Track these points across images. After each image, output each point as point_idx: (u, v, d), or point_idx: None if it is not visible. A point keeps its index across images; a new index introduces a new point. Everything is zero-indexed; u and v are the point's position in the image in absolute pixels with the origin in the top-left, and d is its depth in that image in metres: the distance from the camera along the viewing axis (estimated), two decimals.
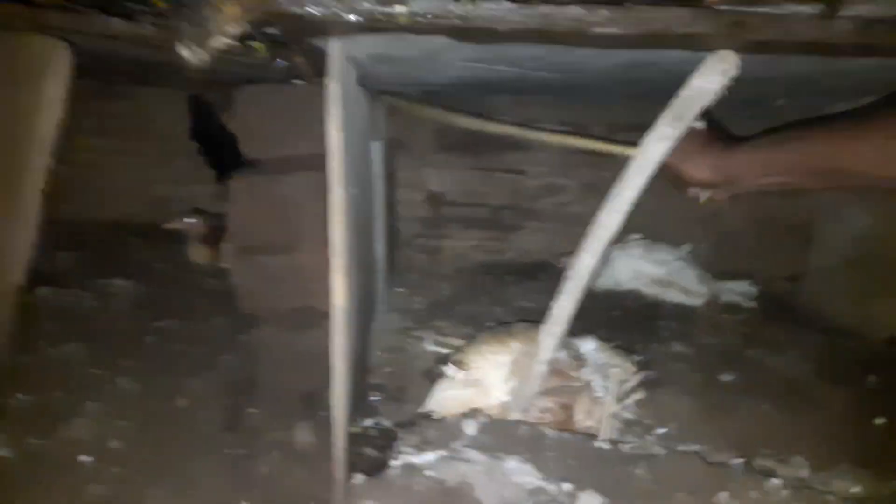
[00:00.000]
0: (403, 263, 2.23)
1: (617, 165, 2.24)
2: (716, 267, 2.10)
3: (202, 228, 1.89)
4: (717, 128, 1.23)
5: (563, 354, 1.19)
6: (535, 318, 1.78)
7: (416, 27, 0.95)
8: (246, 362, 1.41)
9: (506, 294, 1.97)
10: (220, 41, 0.96)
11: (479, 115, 1.95)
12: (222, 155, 2.28)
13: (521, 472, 0.90)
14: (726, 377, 1.43)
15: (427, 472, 0.90)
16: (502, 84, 1.86)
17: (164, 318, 1.59)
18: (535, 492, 0.88)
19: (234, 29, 0.95)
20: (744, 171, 1.14)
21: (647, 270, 1.97)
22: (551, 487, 0.89)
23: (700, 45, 1.00)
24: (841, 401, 1.34)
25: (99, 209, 2.31)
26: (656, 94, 1.92)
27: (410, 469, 0.92)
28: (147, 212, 2.35)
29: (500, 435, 0.99)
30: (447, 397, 1.14)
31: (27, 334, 1.22)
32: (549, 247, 2.29)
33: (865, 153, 0.94)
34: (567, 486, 0.89)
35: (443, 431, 1.00)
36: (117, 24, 0.96)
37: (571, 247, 2.26)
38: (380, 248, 1.81)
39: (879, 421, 1.27)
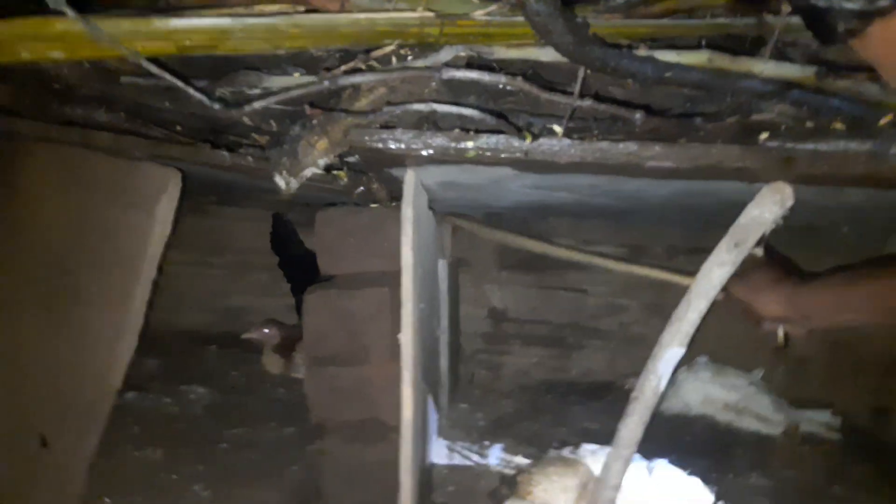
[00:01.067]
0: (466, 379, 2.25)
1: (678, 288, 2.26)
2: (790, 397, 2.01)
3: (276, 339, 1.99)
4: (787, 262, 1.24)
5: (633, 479, 1.16)
6: (599, 440, 1.75)
7: (482, 160, 1.06)
8: (312, 473, 1.44)
9: (569, 414, 1.95)
10: (310, 171, 1.09)
11: (540, 238, 2.03)
12: (300, 269, 2.44)
13: None
14: None
15: None
16: (562, 208, 1.95)
17: (237, 426, 1.65)
18: None
19: (323, 160, 1.08)
20: (818, 309, 1.13)
21: (718, 395, 1.91)
22: None
23: (752, 177, 1.06)
24: None
25: (180, 318, 2.48)
26: (714, 221, 1.97)
27: None
28: (224, 322, 2.51)
29: None
30: None
31: (115, 437, 1.30)
32: (611, 367, 2.27)
33: None
34: None
35: None
36: (224, 157, 1.11)
37: (634, 367, 2.24)
38: (444, 363, 1.85)
39: None
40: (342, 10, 0.93)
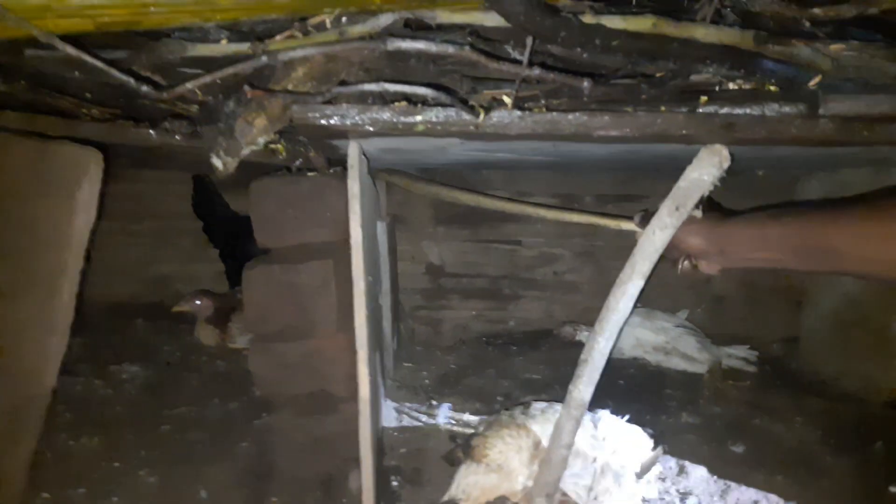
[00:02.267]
0: (406, 336, 2.26)
1: (607, 235, 2.33)
2: (711, 332, 2.15)
3: (210, 310, 1.91)
4: (710, 201, 1.26)
5: (580, 433, 1.21)
6: (542, 390, 1.83)
7: (430, 133, 1.03)
8: (263, 449, 1.42)
9: (510, 366, 2.01)
10: (249, 150, 1.03)
11: (476, 191, 2.03)
12: (226, 233, 2.34)
13: None
14: (737, 448, 1.46)
15: None
16: (498, 163, 1.95)
17: (178, 405, 1.60)
18: None
19: (262, 138, 1.02)
20: (737, 242, 1.13)
21: (648, 338, 2.01)
22: None
23: (694, 141, 1.08)
24: (851, 469, 1.38)
25: (103, 291, 2.34)
26: (643, 169, 2.03)
27: None
28: (150, 292, 2.39)
29: None
30: (470, 483, 1.15)
31: (47, 426, 1.22)
32: (547, 315, 2.35)
33: (862, 238, 0.92)
34: None
35: None
36: (150, 136, 1.02)
37: (568, 314, 2.34)
38: (387, 326, 1.84)
39: (894, 489, 1.30)
40: None
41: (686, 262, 1.22)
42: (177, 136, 1.04)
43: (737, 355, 2.03)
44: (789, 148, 1.32)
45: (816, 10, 1.01)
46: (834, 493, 1.30)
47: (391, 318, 1.89)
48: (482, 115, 0.93)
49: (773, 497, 1.29)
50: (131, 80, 0.80)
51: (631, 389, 1.81)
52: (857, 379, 1.88)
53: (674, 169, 1.35)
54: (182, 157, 2.20)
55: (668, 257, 1.29)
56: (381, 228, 1.83)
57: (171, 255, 2.41)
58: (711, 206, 1.26)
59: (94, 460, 1.34)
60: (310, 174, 1.42)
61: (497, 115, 0.97)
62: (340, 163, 1.54)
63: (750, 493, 1.31)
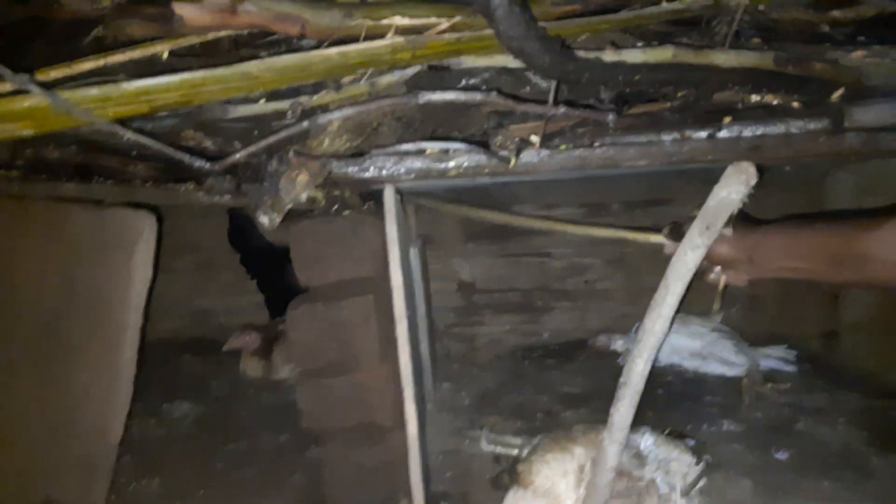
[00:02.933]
0: (442, 354, 2.30)
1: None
2: (747, 333, 2.14)
3: (258, 343, 1.97)
4: (740, 210, 1.25)
5: (623, 454, 1.24)
6: (580, 404, 1.85)
7: (462, 176, 1.06)
8: (314, 479, 1.47)
9: (548, 379, 2.03)
10: (292, 204, 1.08)
11: (502, 207, 2.06)
12: (264, 264, 2.41)
13: None
14: (781, 455, 1.46)
15: None
16: (522, 182, 1.98)
17: (230, 440, 1.66)
18: None
19: (305, 194, 1.07)
20: (768, 251, 1.11)
21: (684, 344, 2.02)
22: None
23: (721, 163, 1.10)
24: None
25: (149, 329, 2.41)
26: (669, 175, 2.03)
27: None
28: (194, 327, 2.46)
29: None
30: None
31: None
32: (581, 325, 2.36)
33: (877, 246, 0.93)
34: None
35: None
36: (200, 199, 1.07)
37: (602, 322, 2.36)
38: (425, 347, 1.88)
39: None
40: (302, 32, 0.90)
41: (714, 274, 1.23)
42: (226, 196, 1.09)
43: (775, 356, 2.02)
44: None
45: (836, 13, 1.03)
46: (882, 496, 1.30)
47: (428, 339, 1.93)
48: (513, 161, 0.96)
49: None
50: (186, 156, 0.85)
51: (670, 398, 1.82)
52: None
53: (701, 171, 1.36)
54: None
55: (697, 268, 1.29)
56: (413, 253, 1.87)
57: (213, 288, 2.48)
58: (739, 215, 1.25)
59: (156, 502, 1.40)
60: (345, 213, 1.46)
61: (526, 157, 1.00)
62: (373, 196, 1.59)
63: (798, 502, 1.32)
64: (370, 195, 1.55)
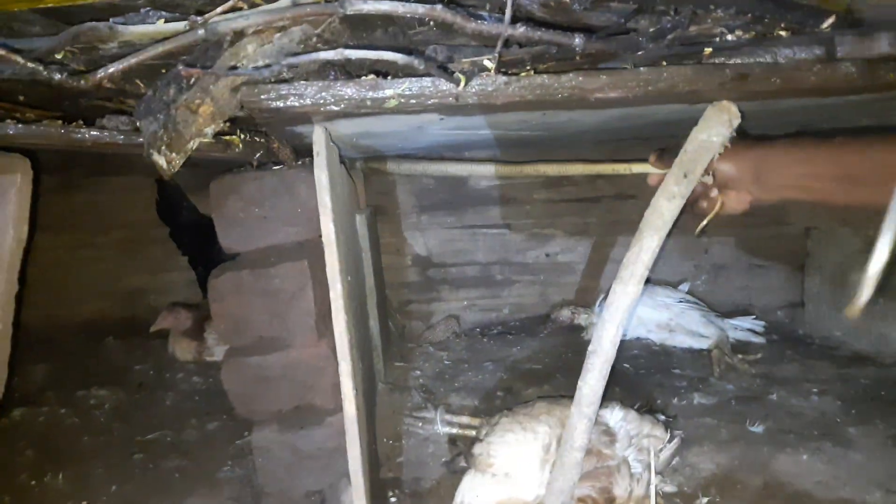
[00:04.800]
0: (396, 333, 2.14)
1: (601, 210, 2.22)
2: (713, 303, 2.06)
3: (189, 322, 1.78)
4: (743, 131, 1.12)
5: (591, 429, 1.11)
6: (543, 380, 1.72)
7: (404, 109, 0.90)
8: (248, 471, 1.30)
9: (509, 356, 1.90)
10: (195, 143, 0.90)
11: (468, 160, 1.91)
12: (196, 238, 2.20)
13: None
14: (757, 428, 1.36)
15: None
16: (481, 143, 1.83)
17: (151, 429, 1.47)
18: None
19: (210, 128, 0.89)
20: (778, 167, 1.00)
21: (651, 316, 1.91)
22: None
23: (702, 98, 0.97)
24: (877, 437, 1.29)
25: (71, 310, 2.20)
26: (637, 138, 1.91)
27: None
28: (120, 308, 2.24)
29: None
30: (477, 495, 1.04)
31: (7, 463, 1.09)
32: (542, 299, 2.24)
33: None
34: None
35: None
36: (82, 136, 0.88)
37: (564, 295, 2.24)
38: (374, 326, 1.72)
39: None
40: None
41: (707, 200, 1.09)
42: (114, 133, 0.90)
43: (743, 327, 1.94)
44: (794, 106, 1.21)
45: None
46: (867, 468, 1.21)
47: (378, 316, 1.77)
48: (462, 83, 0.80)
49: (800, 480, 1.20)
50: (39, 67, 0.67)
51: (637, 373, 1.71)
52: (869, 338, 1.80)
53: (667, 136, 1.24)
54: (142, 160, 2.06)
55: (694, 195, 1.15)
56: (360, 221, 1.70)
57: (141, 266, 2.26)
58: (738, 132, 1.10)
59: (59, 500, 1.21)
60: (275, 168, 1.29)
61: (479, 83, 0.84)
62: (309, 153, 1.41)
63: (774, 478, 1.21)
64: (305, 151, 1.38)
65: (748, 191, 1.02)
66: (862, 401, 1.49)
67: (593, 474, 1.06)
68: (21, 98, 1.10)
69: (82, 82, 0.69)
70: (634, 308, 1.97)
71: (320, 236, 1.35)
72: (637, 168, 1.18)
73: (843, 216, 1.92)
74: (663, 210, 1.03)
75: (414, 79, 0.84)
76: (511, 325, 2.18)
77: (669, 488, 1.15)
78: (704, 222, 1.09)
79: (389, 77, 0.85)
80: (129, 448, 1.40)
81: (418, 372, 1.82)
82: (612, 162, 1.25)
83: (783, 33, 0.98)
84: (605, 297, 2.02)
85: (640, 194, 1.84)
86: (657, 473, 1.13)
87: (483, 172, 1.81)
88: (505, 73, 0.86)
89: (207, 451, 1.39)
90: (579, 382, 1.02)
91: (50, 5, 0.67)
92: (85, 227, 2.27)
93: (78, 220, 2.26)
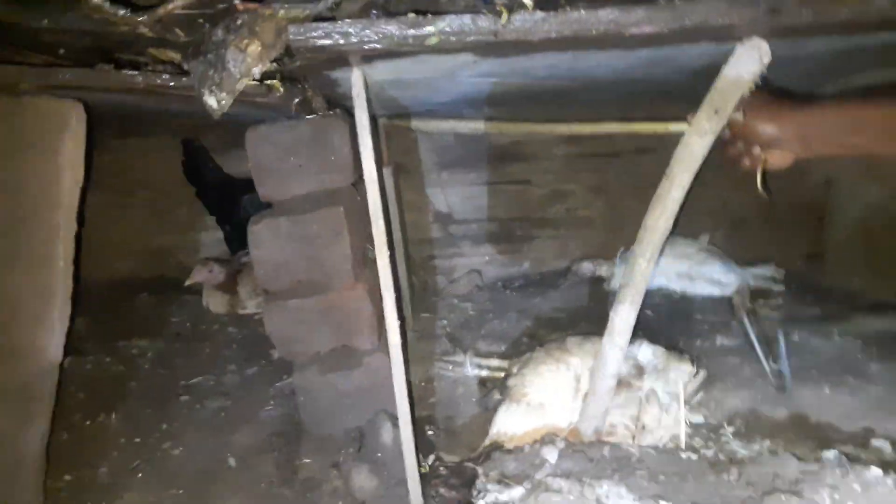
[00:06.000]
0: (420, 287, 2.19)
1: (620, 166, 2.23)
2: (733, 255, 2.08)
3: (222, 276, 1.83)
4: (784, 90, 1.12)
5: (622, 362, 1.15)
6: (567, 326, 1.76)
7: (444, 47, 0.92)
8: (289, 410, 1.36)
9: (532, 306, 1.94)
10: (244, 83, 0.93)
11: (496, 119, 1.92)
12: (221, 198, 2.24)
13: (615, 496, 0.86)
14: (779, 365, 1.40)
15: None
16: (501, 97, 1.84)
17: (193, 375, 1.53)
18: None
19: (258, 68, 0.92)
20: (825, 127, 1.02)
21: (671, 265, 1.94)
22: None
23: (732, 35, 0.99)
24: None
25: (101, 269, 2.25)
26: (655, 91, 1.91)
27: None
28: (151, 266, 2.30)
29: (583, 459, 0.95)
30: (511, 424, 1.09)
31: (59, 409, 1.16)
32: (562, 253, 2.27)
33: None
34: None
35: (522, 462, 0.96)
36: (135, 78, 0.91)
37: (584, 250, 2.27)
38: (402, 277, 1.77)
39: None
40: None
41: (751, 158, 1.11)
42: (165, 76, 0.93)
43: (763, 275, 1.97)
44: (823, 52, 1.22)
45: None
46: (887, 400, 1.25)
47: (405, 267, 1.82)
48: (504, 16, 0.82)
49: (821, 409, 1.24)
50: (119, 10, 0.70)
51: (660, 319, 1.75)
52: (887, 289, 1.82)
53: (689, 89, 1.24)
54: (170, 120, 2.09)
55: (731, 153, 1.18)
56: (387, 173, 1.74)
57: (169, 225, 2.31)
58: (774, 91, 1.12)
59: (114, 438, 1.28)
60: (308, 118, 1.32)
61: (519, 19, 0.86)
62: (340, 104, 1.44)
63: (796, 409, 1.25)
64: (336, 102, 1.40)
65: (792, 150, 1.05)
66: (882, 342, 1.52)
67: (623, 404, 1.11)
68: (61, 51, 1.13)
69: (145, 17, 0.72)
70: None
71: (353, 184, 1.40)
72: (674, 127, 1.20)
73: (866, 168, 1.92)
74: (694, 147, 1.05)
75: (454, 15, 0.86)
76: (532, 278, 2.22)
77: (696, 419, 1.20)
78: (759, 180, 1.13)
79: (429, 15, 0.88)
80: (175, 392, 1.47)
81: (444, 321, 1.87)
82: (649, 121, 1.27)
83: None
84: (627, 250, 2.06)
85: (658, 148, 1.86)
86: (685, 404, 1.17)
87: (512, 130, 1.83)
88: (542, 10, 0.88)
89: (248, 394, 1.45)
90: (611, 314, 1.06)
91: None
92: (112, 189, 2.30)
93: (105, 182, 2.29)
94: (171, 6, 0.73)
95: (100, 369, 1.55)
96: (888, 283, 1.83)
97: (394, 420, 1.23)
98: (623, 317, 1.05)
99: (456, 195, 2.26)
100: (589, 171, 2.24)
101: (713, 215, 2.23)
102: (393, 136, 2.12)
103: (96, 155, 2.25)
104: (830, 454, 0.96)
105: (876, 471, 0.89)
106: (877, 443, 1.07)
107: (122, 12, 0.72)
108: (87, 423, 1.34)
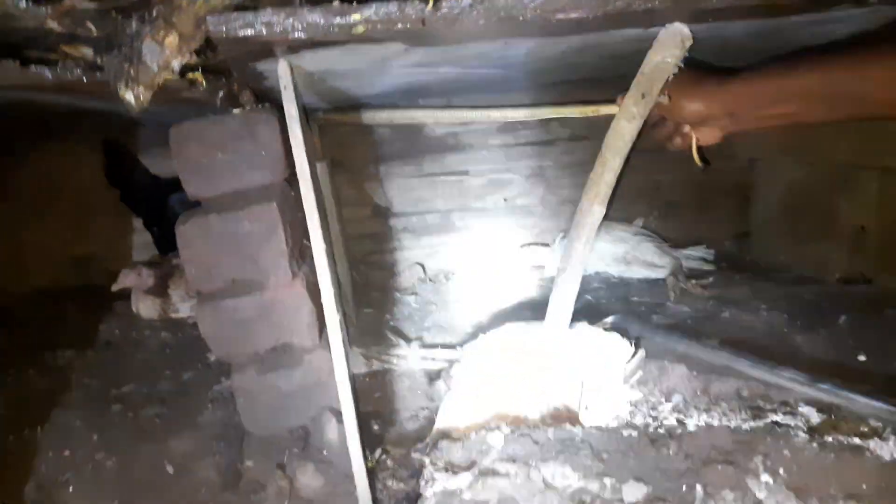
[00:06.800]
0: (361, 283, 2.16)
1: (557, 152, 2.26)
2: (667, 237, 2.15)
3: (152, 280, 1.76)
4: (708, 65, 1.13)
5: (563, 346, 1.17)
6: (509, 317, 1.78)
7: (372, 36, 0.91)
8: (229, 413, 1.32)
9: (475, 298, 1.95)
10: (163, 76, 0.89)
11: (431, 107, 1.91)
12: (147, 200, 2.16)
13: (561, 477, 0.87)
14: (711, 341, 1.45)
15: (466, 496, 0.86)
16: (435, 87, 1.84)
17: (126, 383, 1.46)
18: (579, 493, 0.86)
19: (177, 61, 0.88)
20: (751, 100, 1.03)
21: (608, 250, 1.99)
22: (593, 486, 0.86)
23: (655, 20, 1.01)
24: (822, 343, 1.40)
25: (22, 280, 2.12)
26: (587, 81, 1.94)
27: (449, 496, 0.87)
28: (74, 275, 2.18)
29: (529, 442, 0.96)
30: (459, 413, 1.09)
31: None
32: (505, 243, 2.29)
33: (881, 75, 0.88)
34: (609, 482, 0.87)
35: (469, 450, 0.96)
36: (44, 74, 0.86)
37: (526, 238, 2.29)
38: (343, 271, 1.74)
39: (861, 357, 1.32)
40: None
41: (681, 136, 1.15)
42: (77, 71, 0.88)
43: (695, 256, 2.04)
44: (740, 34, 1.26)
45: None
46: (810, 366, 1.31)
47: (346, 265, 1.79)
48: (431, 3, 0.82)
49: (752, 382, 1.29)
50: (20, 2, 0.65)
51: (599, 302, 1.79)
52: (810, 263, 1.92)
53: (620, 76, 1.27)
54: (91, 122, 1.98)
55: (658, 136, 1.21)
56: (321, 168, 1.70)
57: (93, 231, 2.19)
58: (699, 67, 1.12)
59: (41, 452, 1.21)
60: (235, 112, 1.28)
61: (446, 5, 0.86)
62: (270, 98, 1.40)
63: (730, 383, 1.30)
64: (264, 96, 1.36)
65: (721, 127, 1.08)
66: (806, 314, 1.60)
67: (565, 385, 1.13)
68: None
69: (48, 10, 0.68)
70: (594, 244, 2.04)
71: (285, 180, 1.36)
72: (605, 110, 1.22)
73: (786, 146, 2.01)
74: (624, 131, 1.08)
75: (381, 2, 0.85)
76: (474, 268, 2.23)
77: (636, 397, 1.23)
78: (695, 154, 1.15)
79: (354, 2, 0.86)
80: (106, 401, 1.40)
81: (388, 316, 1.85)
82: (580, 104, 1.29)
83: None
84: (564, 236, 2.09)
85: (592, 135, 1.89)
86: (623, 383, 1.20)
87: (447, 119, 1.83)
88: None
89: (185, 399, 1.40)
90: (550, 298, 1.08)
91: None
92: (31, 197, 2.18)
93: (23, 190, 2.17)
94: None
95: (23, 382, 1.46)
96: (811, 257, 1.93)
97: (339, 416, 1.21)
98: (562, 299, 1.06)
99: (394, 188, 2.25)
100: (525, 158, 2.26)
101: (646, 199, 2.29)
102: (328, 131, 2.08)
103: (11, 162, 2.14)
104: (761, 423, 1.01)
105: (803, 436, 0.94)
106: (803, 409, 1.12)
107: (23, 5, 0.67)
108: (11, 437, 1.26)
